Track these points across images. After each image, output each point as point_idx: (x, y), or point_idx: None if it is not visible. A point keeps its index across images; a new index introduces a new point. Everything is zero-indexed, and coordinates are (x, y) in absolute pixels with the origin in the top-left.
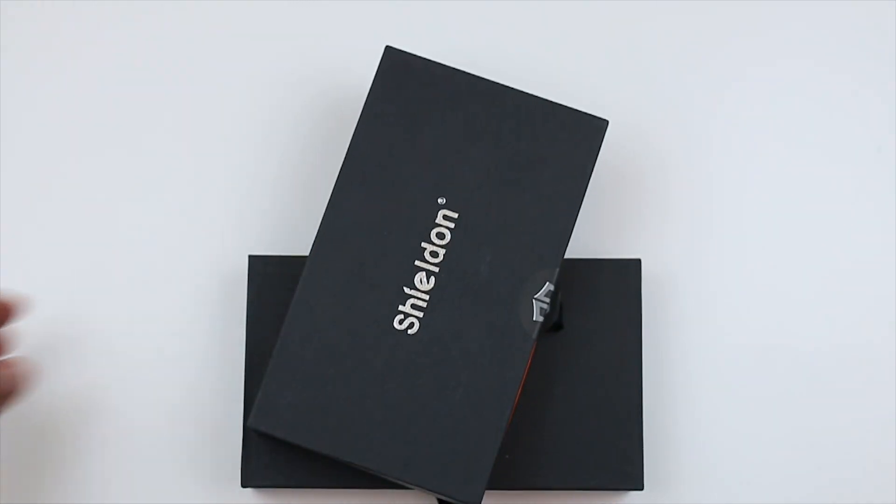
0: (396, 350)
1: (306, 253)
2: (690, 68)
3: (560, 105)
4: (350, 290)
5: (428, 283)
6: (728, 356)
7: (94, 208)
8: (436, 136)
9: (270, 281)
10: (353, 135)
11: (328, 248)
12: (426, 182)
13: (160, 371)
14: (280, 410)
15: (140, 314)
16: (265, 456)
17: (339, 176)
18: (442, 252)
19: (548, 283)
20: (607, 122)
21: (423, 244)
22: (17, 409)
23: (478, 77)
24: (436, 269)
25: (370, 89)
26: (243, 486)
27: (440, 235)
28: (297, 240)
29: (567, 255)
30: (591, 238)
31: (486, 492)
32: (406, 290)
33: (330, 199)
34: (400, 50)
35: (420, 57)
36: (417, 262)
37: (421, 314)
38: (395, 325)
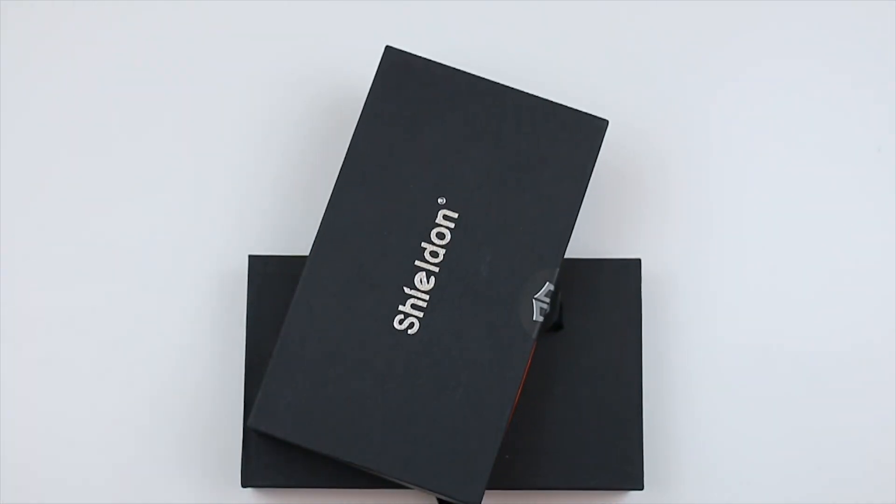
0: (396, 350)
1: (306, 253)
2: (690, 68)
3: (560, 105)
4: (350, 290)
5: (428, 283)
6: (728, 356)
7: (94, 208)
8: (436, 136)
9: (270, 281)
10: (353, 135)
11: (328, 248)
12: (426, 182)
13: (160, 371)
14: (280, 410)
15: (140, 314)
16: (265, 456)
17: (339, 176)
18: (442, 252)
19: (548, 283)
20: (607, 122)
21: (423, 244)
22: (17, 409)
23: (478, 77)
24: (436, 269)
25: (370, 89)
26: (243, 486)
27: (440, 235)
28: (297, 240)
29: (567, 255)
30: (591, 238)
31: (486, 492)
32: (406, 290)
33: (330, 199)
34: (400, 50)
35: (420, 57)
36: (417, 262)
37: (421, 314)
38: (395, 325)
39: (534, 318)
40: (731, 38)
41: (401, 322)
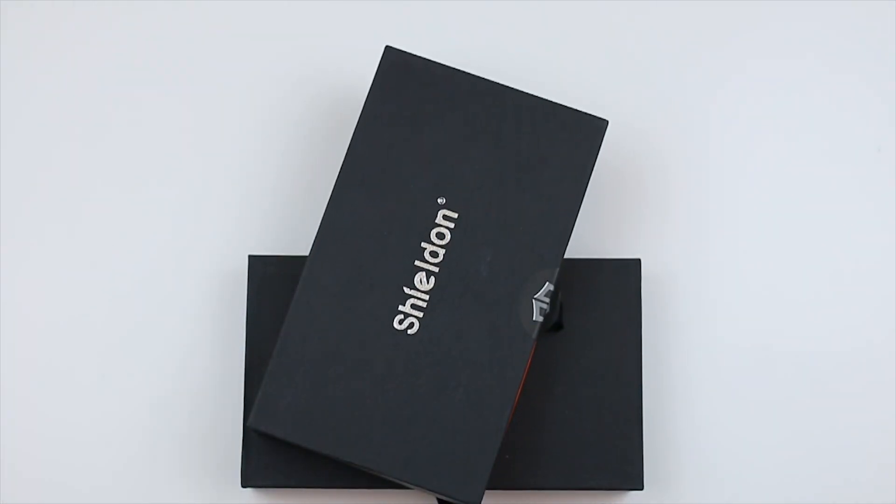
0: (396, 350)
1: (306, 253)
2: (690, 69)
3: (560, 105)
4: (350, 290)
5: (428, 283)
6: (728, 356)
7: (94, 208)
8: (436, 136)
9: (270, 281)
10: (353, 135)
11: (328, 248)
12: (426, 182)
13: (160, 371)
14: (280, 410)
15: (140, 314)
16: (265, 456)
17: (339, 176)
18: (442, 252)
19: (548, 283)
20: (607, 122)
21: (423, 244)
22: (16, 409)
23: (478, 77)
24: (436, 269)
25: (370, 89)
26: (243, 486)
27: (440, 235)
28: (297, 240)
29: (567, 255)
30: (591, 238)
31: (486, 492)
32: (406, 290)
33: (330, 199)
34: (400, 50)
35: (420, 57)
36: (417, 262)
37: (421, 314)
38: (395, 325)
39: (534, 318)
40: (731, 38)
41: (401, 322)
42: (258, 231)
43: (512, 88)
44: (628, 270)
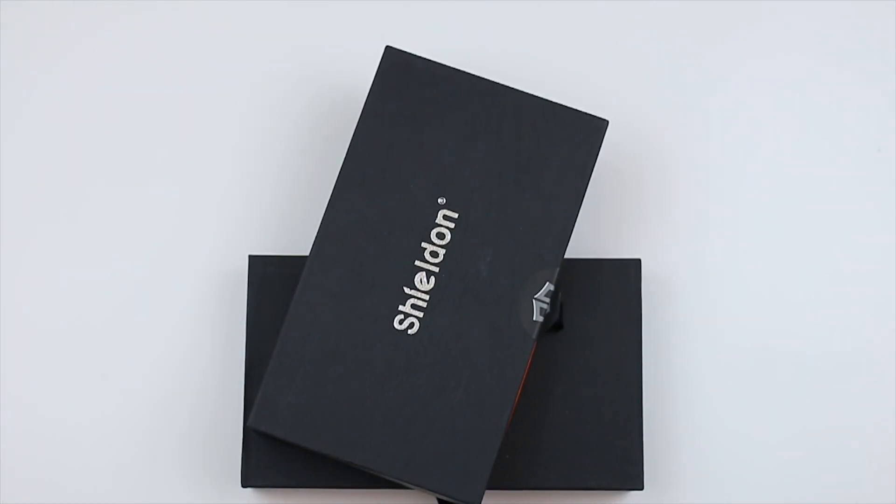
0: (396, 350)
1: (306, 253)
2: (690, 69)
3: (560, 105)
4: (350, 290)
5: (428, 283)
6: (728, 356)
7: (94, 208)
8: (436, 136)
9: (270, 281)
10: (353, 135)
11: (328, 248)
12: (426, 182)
13: (160, 370)
14: (280, 410)
15: (140, 314)
16: (265, 456)
17: (339, 176)
18: (442, 252)
19: (548, 283)
20: (607, 122)
21: (423, 244)
22: (16, 409)
23: (478, 77)
24: (436, 269)
25: (370, 89)
26: (243, 486)
27: (440, 235)
28: (297, 240)
29: (567, 255)
30: (591, 238)
31: (486, 492)
32: (406, 290)
33: (330, 199)
34: (400, 50)
35: (420, 57)
36: (417, 262)
37: (421, 314)
38: (395, 325)
39: (534, 318)
40: (731, 38)
41: (401, 322)
42: (258, 231)
43: (512, 88)
44: (628, 270)
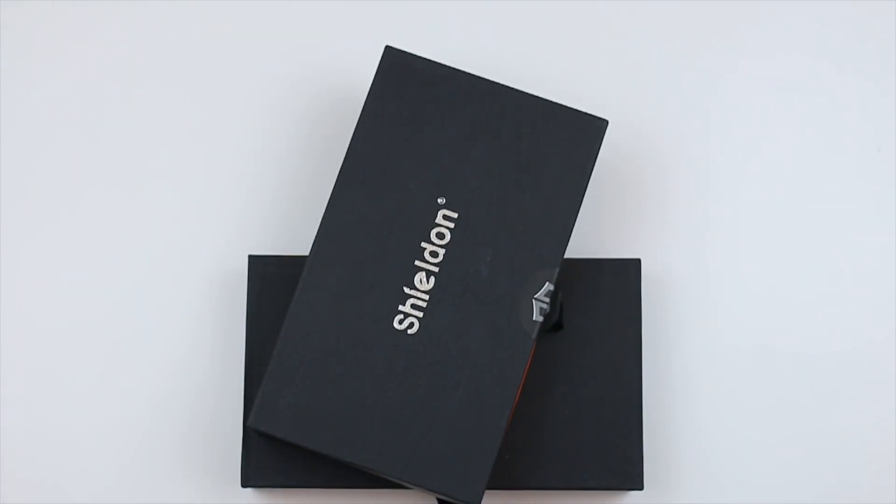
0: (396, 350)
1: (306, 253)
2: (690, 69)
3: (560, 105)
4: (350, 290)
5: (428, 283)
6: (728, 356)
7: (94, 208)
8: (436, 136)
9: (270, 281)
10: (353, 135)
11: (328, 248)
12: (426, 182)
13: (160, 370)
14: (280, 410)
15: (140, 314)
16: (265, 456)
17: (339, 176)
18: (442, 252)
19: (548, 283)
20: (607, 122)
21: (423, 244)
22: (16, 409)
23: (478, 77)
24: (436, 269)
25: (370, 89)
26: (243, 486)
27: (440, 235)
28: (297, 240)
29: (567, 255)
30: (591, 238)
31: (486, 492)
32: (406, 290)
33: (330, 199)
34: (400, 50)
35: (420, 57)
36: (417, 262)
37: (421, 314)
38: (395, 325)
39: (534, 318)
40: (731, 38)
41: (401, 322)
42: (258, 231)
43: (512, 88)
44: (628, 270)
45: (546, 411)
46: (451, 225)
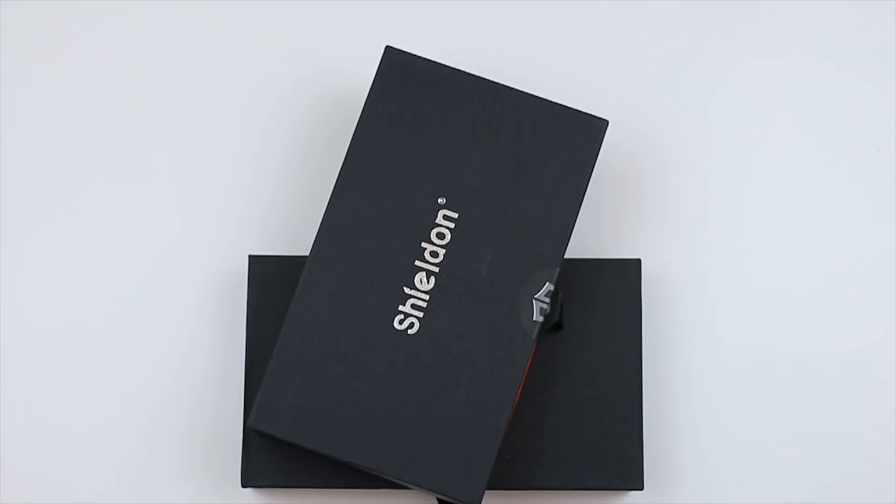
0: (396, 350)
1: (306, 253)
2: (690, 69)
3: (560, 105)
4: (350, 290)
5: (428, 283)
6: (728, 356)
7: (94, 208)
8: (436, 136)
9: (270, 281)
10: (353, 135)
11: (328, 248)
12: (426, 182)
13: (160, 370)
14: (280, 410)
15: (140, 314)
16: (265, 456)
17: (339, 176)
18: (442, 252)
19: (548, 283)
20: (607, 122)
21: (423, 244)
22: (17, 409)
23: (478, 77)
24: (436, 269)
25: (370, 89)
26: (243, 486)
27: (440, 235)
28: (297, 240)
29: (567, 255)
30: (591, 238)
31: (486, 492)
32: (406, 290)
33: (330, 199)
34: (400, 50)
35: (420, 57)
36: (417, 262)
37: (421, 314)
38: (395, 325)
39: (534, 318)
40: (731, 38)
41: (401, 322)
42: (258, 231)
43: (512, 88)
44: (628, 270)
45: (546, 411)
46: (452, 225)
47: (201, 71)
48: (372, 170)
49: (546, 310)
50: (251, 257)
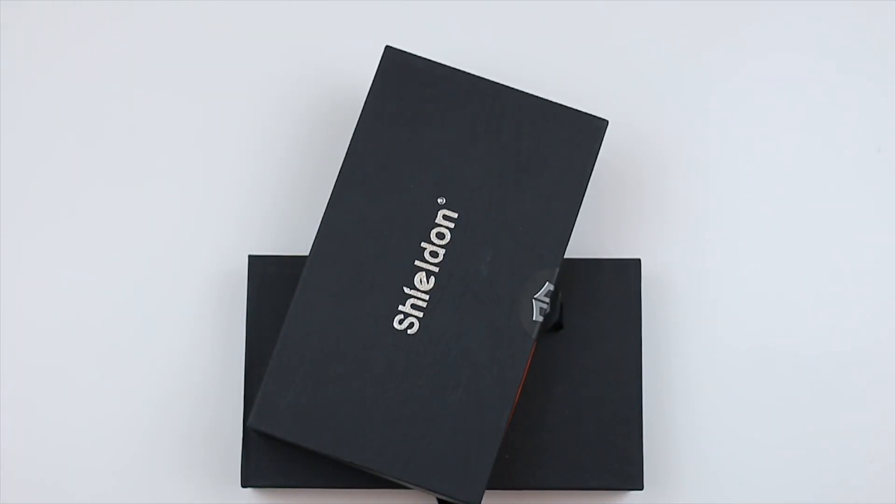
0: (396, 350)
1: (306, 253)
2: (690, 69)
3: (560, 105)
4: (350, 290)
5: (428, 283)
6: (728, 356)
7: (94, 208)
8: (436, 136)
9: (270, 281)
10: (353, 135)
11: (328, 248)
12: (426, 182)
13: (160, 370)
14: (280, 410)
15: (140, 314)
16: (265, 456)
17: (339, 176)
18: (442, 252)
19: (548, 283)
20: (607, 122)
21: (423, 244)
22: (17, 409)
23: (478, 77)
24: (436, 269)
25: (370, 89)
26: (243, 486)
27: (440, 235)
28: (297, 240)
29: (567, 255)
30: (591, 238)
31: (486, 492)
32: (406, 290)
33: (330, 199)
34: (400, 50)
35: (420, 57)
36: (417, 262)
37: (421, 314)
38: (395, 325)
39: (534, 318)
40: (731, 37)
41: (401, 322)
42: (258, 231)
43: (512, 88)
44: (628, 270)
45: (546, 411)
46: (451, 225)
47: (201, 71)
48: (372, 170)
49: (546, 310)
50: (251, 257)
